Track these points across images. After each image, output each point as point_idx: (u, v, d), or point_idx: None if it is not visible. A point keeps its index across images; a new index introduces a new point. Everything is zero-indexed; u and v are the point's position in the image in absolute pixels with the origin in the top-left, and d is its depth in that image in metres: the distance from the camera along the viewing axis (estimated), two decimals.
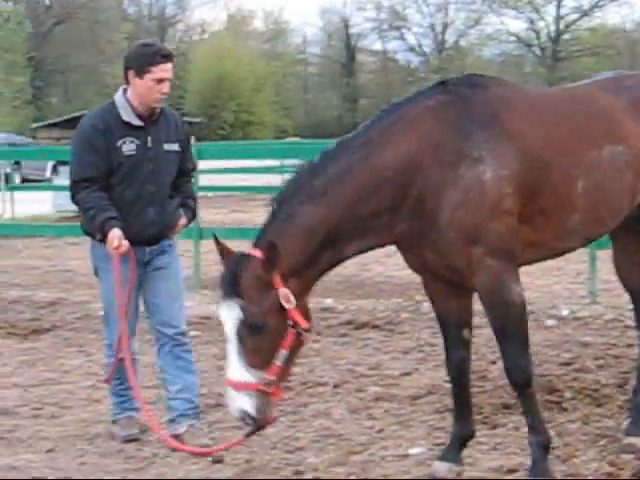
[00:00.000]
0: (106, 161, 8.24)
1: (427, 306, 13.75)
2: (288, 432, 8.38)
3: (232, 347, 6.75)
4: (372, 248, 7.25)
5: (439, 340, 11.68)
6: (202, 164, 22.15)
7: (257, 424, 6.75)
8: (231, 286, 6.70)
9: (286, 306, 6.66)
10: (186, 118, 69.33)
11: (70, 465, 7.78)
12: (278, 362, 6.72)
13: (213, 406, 9.26)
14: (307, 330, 6.87)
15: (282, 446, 8.00)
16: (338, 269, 13.87)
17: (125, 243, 8.02)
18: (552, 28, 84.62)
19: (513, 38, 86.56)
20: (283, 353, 6.73)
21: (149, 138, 8.41)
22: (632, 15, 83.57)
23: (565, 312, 13.24)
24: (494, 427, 8.36)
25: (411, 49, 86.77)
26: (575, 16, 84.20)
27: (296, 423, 8.73)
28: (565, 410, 8.76)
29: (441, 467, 7.28)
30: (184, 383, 8.57)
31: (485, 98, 7.10)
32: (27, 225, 19.78)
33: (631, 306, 8.40)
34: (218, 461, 7.75)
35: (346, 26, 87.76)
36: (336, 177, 6.84)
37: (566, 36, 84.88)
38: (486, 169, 6.74)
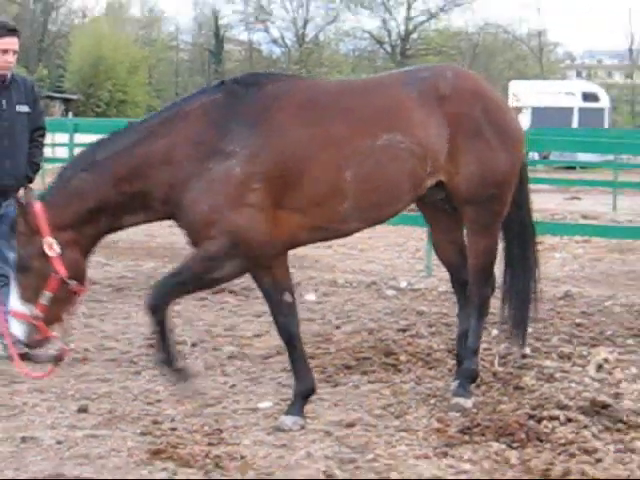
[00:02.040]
0: None
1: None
2: (148, 385, 8.37)
3: (13, 282, 7.32)
4: (149, 221, 7.73)
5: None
6: (78, 138, 22.06)
7: (30, 347, 7.49)
8: (12, 230, 7.26)
9: (49, 253, 6.97)
10: (65, 95, 68.97)
11: None
12: (43, 301, 7.04)
13: (80, 360, 9.18)
14: (74, 279, 7.11)
15: (143, 398, 7.97)
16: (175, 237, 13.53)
17: None
18: (402, 28, 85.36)
19: (367, 35, 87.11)
20: (47, 295, 7.04)
21: (3, 101, 8.88)
22: (474, 19, 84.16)
23: (403, 284, 13.39)
24: (336, 385, 8.40)
25: (274, 41, 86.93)
26: (423, 18, 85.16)
27: (156, 377, 8.64)
28: (400, 371, 8.87)
29: (287, 420, 7.38)
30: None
31: (257, 96, 7.23)
32: None
33: None
34: (83, 410, 7.70)
35: (216, 17, 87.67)
36: (111, 154, 7.11)
37: (414, 35, 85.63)
38: (235, 165, 6.93)
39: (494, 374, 8.71)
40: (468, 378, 7.93)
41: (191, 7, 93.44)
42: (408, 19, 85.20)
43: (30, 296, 7.07)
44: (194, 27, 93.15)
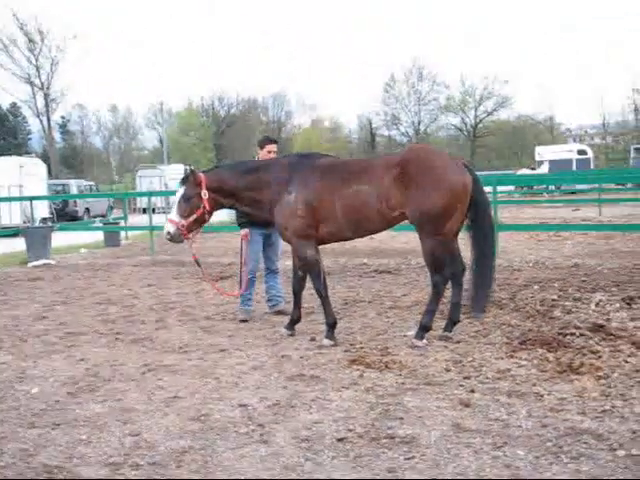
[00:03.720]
0: None
1: (415, 262, 13.69)
2: (345, 325, 8.34)
3: (175, 204, 7.92)
4: (259, 217, 8.14)
5: (422, 278, 11.66)
6: None
7: (172, 240, 7.94)
8: (185, 180, 7.94)
9: (203, 197, 7.78)
10: None
11: (239, 342, 7.81)
12: (191, 219, 7.84)
13: (310, 313, 9.21)
14: (209, 213, 7.91)
15: (343, 332, 7.94)
16: (369, 243, 13.33)
17: (247, 232, 9.15)
18: (473, 121, 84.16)
19: (453, 127, 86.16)
20: (194, 216, 7.84)
21: None
22: (513, 113, 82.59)
23: None
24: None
25: (403, 134, 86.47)
26: (484, 115, 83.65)
27: (350, 320, 8.70)
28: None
29: (283, 331, 8.14)
30: (278, 288, 9.60)
31: (307, 163, 7.66)
32: (218, 226, 19.62)
33: None
34: (313, 339, 7.76)
35: (370, 123, 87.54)
36: (243, 173, 7.89)
37: (480, 125, 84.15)
38: (292, 197, 7.50)
39: (537, 311, 8.48)
40: (422, 328, 7.40)
41: (356, 119, 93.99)
42: (476, 116, 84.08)
43: (185, 214, 7.81)
44: (358, 130, 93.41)
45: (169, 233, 7.87)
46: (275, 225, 7.85)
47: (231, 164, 8.32)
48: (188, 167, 8.24)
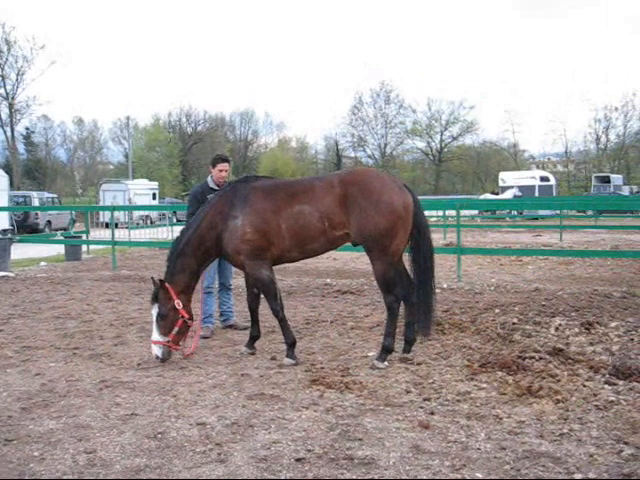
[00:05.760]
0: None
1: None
2: (307, 345, 8.33)
3: (154, 324, 7.53)
4: (211, 262, 8.08)
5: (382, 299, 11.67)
6: None
7: (164, 360, 7.51)
8: (155, 298, 7.56)
9: (177, 307, 7.52)
10: None
11: (199, 360, 7.74)
12: (174, 333, 7.54)
13: (271, 332, 9.17)
14: (189, 319, 7.65)
15: (304, 352, 7.93)
16: (333, 263, 13.35)
17: None
18: (438, 146, 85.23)
19: (419, 150, 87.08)
20: (176, 329, 7.54)
21: None
22: (478, 139, 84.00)
23: (445, 285, 13.10)
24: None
25: (369, 156, 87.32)
26: (450, 140, 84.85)
27: (311, 340, 8.66)
28: (445, 334, 8.65)
29: (244, 349, 8.08)
30: (229, 304, 9.83)
31: (245, 187, 7.66)
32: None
33: None
34: (273, 358, 7.73)
35: (336, 144, 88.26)
36: (187, 241, 7.69)
37: (445, 150, 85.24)
38: (239, 221, 7.45)
39: (498, 334, 8.52)
40: (385, 350, 7.41)
41: (323, 140, 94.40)
42: (441, 141, 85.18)
43: (166, 331, 7.49)
44: (325, 151, 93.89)
45: (158, 357, 7.49)
46: (226, 253, 7.69)
47: (176, 247, 7.80)
48: (155, 280, 7.81)
